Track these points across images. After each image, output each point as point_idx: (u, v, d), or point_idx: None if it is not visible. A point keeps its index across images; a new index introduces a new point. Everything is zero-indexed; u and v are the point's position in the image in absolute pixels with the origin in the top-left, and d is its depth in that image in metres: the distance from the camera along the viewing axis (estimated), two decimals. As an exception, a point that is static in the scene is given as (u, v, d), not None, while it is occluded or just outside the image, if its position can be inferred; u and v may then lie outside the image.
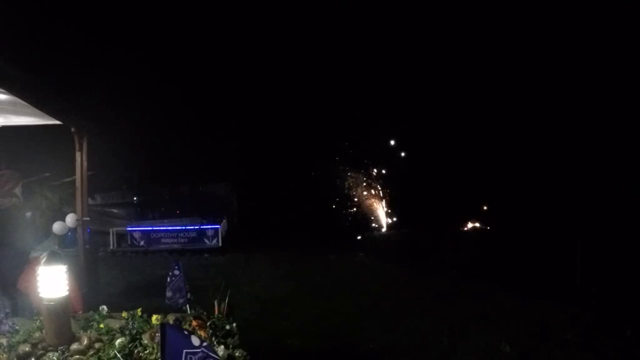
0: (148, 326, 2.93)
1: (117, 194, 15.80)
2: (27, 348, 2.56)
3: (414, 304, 7.35)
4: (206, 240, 13.77)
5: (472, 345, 5.43)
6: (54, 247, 5.84)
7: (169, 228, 13.88)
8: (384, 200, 20.39)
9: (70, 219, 6.63)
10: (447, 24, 20.10)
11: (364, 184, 20.67)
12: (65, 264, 2.79)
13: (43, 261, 2.67)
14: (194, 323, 2.83)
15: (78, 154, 5.63)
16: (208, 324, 3.09)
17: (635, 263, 9.14)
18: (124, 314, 3.21)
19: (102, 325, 3.06)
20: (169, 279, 3.62)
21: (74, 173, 5.78)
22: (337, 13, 21.09)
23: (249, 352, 2.87)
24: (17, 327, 2.92)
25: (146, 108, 17.15)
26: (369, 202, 20.72)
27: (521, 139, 17.89)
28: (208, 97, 19.72)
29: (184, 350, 1.67)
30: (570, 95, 16.88)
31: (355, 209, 20.58)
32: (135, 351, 2.52)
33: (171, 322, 3.08)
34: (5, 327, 2.90)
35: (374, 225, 20.10)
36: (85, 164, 5.71)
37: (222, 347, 2.59)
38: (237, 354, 2.64)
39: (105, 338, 2.82)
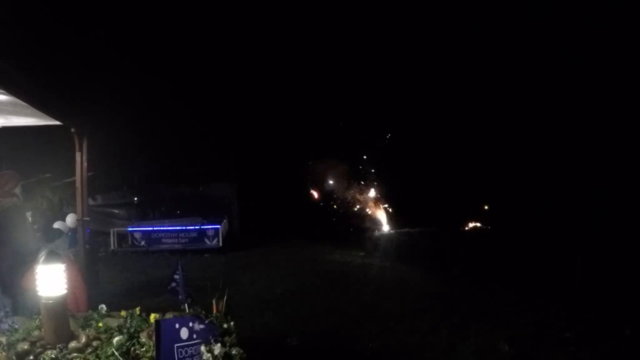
0: (146, 325, 2.95)
1: (118, 194, 15.83)
2: (26, 346, 2.59)
3: (413, 304, 7.36)
4: (207, 241, 13.79)
5: (471, 344, 5.44)
6: (64, 247, 5.87)
7: (170, 228, 13.90)
8: (384, 200, 20.40)
9: (70, 219, 6.65)
10: (447, 22, 20.10)
11: (364, 184, 20.69)
12: (64, 263, 2.82)
13: (42, 260, 2.69)
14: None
15: (78, 155, 5.66)
16: (206, 322, 3.11)
17: (635, 263, 9.14)
18: (123, 313, 3.23)
19: (100, 324, 3.08)
20: (175, 282, 3.62)
21: (74, 173, 5.81)
22: (337, 16, 21.11)
23: (248, 351, 2.89)
24: (16, 326, 2.94)
25: (147, 108, 17.18)
26: (369, 202, 20.74)
27: (522, 139, 17.89)
28: (208, 97, 19.76)
29: (175, 345, 1.70)
30: (570, 96, 16.88)
31: (355, 209, 20.60)
32: (132, 349, 2.54)
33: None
34: (5, 326, 2.93)
35: (374, 225, 20.11)
36: (85, 164, 5.73)
37: (219, 345, 2.60)
38: (233, 352, 2.66)
39: (103, 336, 2.84)
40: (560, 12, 17.15)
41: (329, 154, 20.00)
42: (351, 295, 8.00)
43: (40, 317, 2.84)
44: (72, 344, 2.62)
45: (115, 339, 2.67)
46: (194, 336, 1.87)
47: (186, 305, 3.46)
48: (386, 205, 20.41)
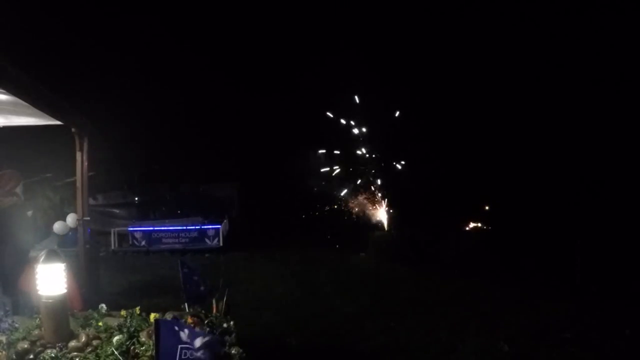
0: (146, 324, 2.96)
1: (118, 194, 15.85)
2: (25, 345, 2.60)
3: (413, 303, 7.37)
4: (207, 240, 13.81)
5: (471, 344, 5.45)
6: (53, 247, 5.88)
7: (170, 228, 13.92)
8: (384, 200, 20.39)
9: (70, 218, 6.68)
10: (448, 20, 20.10)
11: (364, 183, 20.67)
12: (64, 263, 2.83)
13: (42, 259, 2.70)
14: (190, 320, 2.86)
15: (79, 154, 5.67)
16: (206, 322, 3.12)
17: (635, 262, 9.13)
18: (123, 313, 3.24)
19: (100, 324, 3.09)
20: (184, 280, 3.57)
21: (75, 173, 5.82)
22: (339, 18, 21.11)
23: (248, 350, 2.90)
24: (16, 325, 2.95)
25: (147, 108, 17.20)
26: (369, 201, 20.72)
27: (522, 138, 17.88)
28: (209, 97, 19.76)
29: (179, 346, 1.70)
30: (571, 96, 16.87)
31: (356, 210, 20.59)
32: (132, 348, 2.55)
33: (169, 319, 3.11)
34: (5, 325, 2.94)
35: (374, 225, 20.08)
36: (85, 164, 5.74)
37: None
38: (233, 352, 2.67)
39: (103, 336, 2.85)
40: (560, 12, 17.14)
41: (329, 153, 19.99)
42: (351, 295, 8.01)
43: (40, 316, 2.85)
44: (72, 343, 2.63)
45: (115, 338, 2.68)
46: (196, 342, 1.87)
47: (186, 305, 3.47)
48: (387, 206, 20.40)
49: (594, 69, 16.24)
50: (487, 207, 19.54)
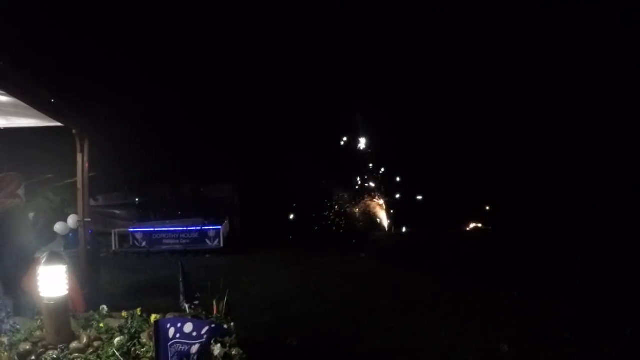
0: (147, 325, 2.97)
1: (119, 195, 15.87)
2: (27, 346, 2.61)
3: (414, 304, 7.38)
4: (208, 241, 13.83)
5: (471, 344, 5.45)
6: (59, 249, 5.90)
7: (171, 229, 13.94)
8: (385, 201, 20.41)
9: (71, 220, 6.69)
10: (448, 21, 20.10)
11: (365, 184, 20.69)
12: (66, 264, 2.84)
13: (43, 261, 2.72)
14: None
15: (79, 155, 5.70)
16: (212, 325, 3.13)
17: (635, 263, 9.14)
18: (124, 314, 3.26)
19: (102, 325, 3.11)
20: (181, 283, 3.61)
21: (76, 174, 5.84)
22: (337, 18, 21.12)
23: (248, 351, 2.91)
24: (18, 327, 2.97)
25: (148, 109, 17.22)
26: (370, 203, 20.74)
27: (522, 139, 17.89)
28: (210, 98, 19.79)
29: (168, 344, 1.72)
30: (571, 96, 16.87)
31: (357, 210, 20.60)
32: (133, 349, 2.57)
33: (168, 319, 3.12)
34: (7, 327, 2.95)
35: (375, 225, 20.12)
36: (86, 165, 5.77)
37: (219, 345, 2.62)
38: (233, 353, 2.68)
39: (104, 337, 2.87)
40: (560, 12, 17.15)
41: (329, 153, 20.01)
42: (351, 296, 8.02)
43: (42, 317, 2.86)
44: (74, 345, 2.65)
45: (116, 340, 2.70)
46: (194, 334, 1.90)
47: (186, 306, 3.48)
48: (387, 206, 20.42)
49: (595, 70, 16.25)
50: (487, 208, 19.54)
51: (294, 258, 12.30)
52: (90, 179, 5.94)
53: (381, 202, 20.54)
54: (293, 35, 20.49)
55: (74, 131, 5.49)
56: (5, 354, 2.60)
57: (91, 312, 3.38)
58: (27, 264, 4.28)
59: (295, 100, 20.02)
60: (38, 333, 2.81)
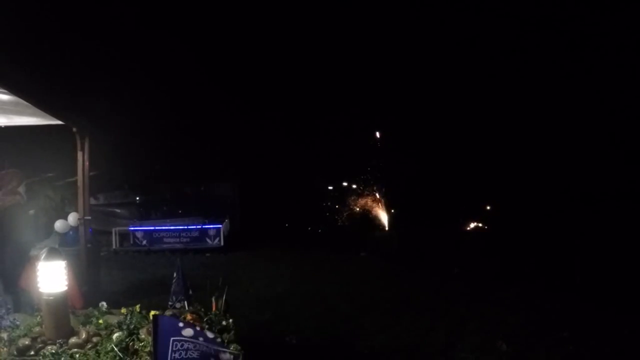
0: (146, 321, 3.00)
1: (120, 193, 15.89)
2: (26, 342, 2.64)
3: (412, 303, 7.40)
4: (208, 240, 13.85)
5: (469, 343, 5.47)
6: (55, 246, 5.92)
7: (171, 228, 13.97)
8: (385, 200, 20.41)
9: (72, 217, 6.72)
10: (446, 20, 20.10)
11: (365, 183, 20.70)
12: (64, 261, 2.87)
13: (43, 257, 2.74)
14: (189, 317, 2.90)
15: (80, 154, 5.71)
16: (205, 319, 3.16)
17: (635, 263, 9.14)
18: (123, 310, 3.28)
19: (101, 321, 3.13)
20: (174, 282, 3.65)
21: (76, 173, 5.86)
22: (335, 17, 21.12)
23: (247, 348, 2.93)
24: (17, 323, 2.99)
25: (149, 107, 17.24)
26: (370, 202, 20.74)
27: (522, 140, 17.89)
28: (211, 96, 19.80)
29: (172, 338, 1.73)
30: (571, 96, 16.87)
31: (357, 210, 20.60)
32: (131, 344, 2.59)
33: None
34: (6, 323, 2.98)
35: (375, 225, 20.10)
36: (86, 163, 5.78)
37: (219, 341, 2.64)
38: (231, 349, 2.70)
39: (103, 333, 2.89)
40: (560, 11, 17.14)
41: (329, 153, 20.02)
42: (351, 295, 8.04)
43: (41, 313, 2.89)
44: (73, 340, 2.67)
45: (115, 335, 2.72)
46: (200, 337, 1.90)
47: (185, 303, 3.50)
48: (387, 206, 20.42)
49: (595, 71, 16.24)
50: (488, 208, 19.54)
51: (294, 257, 12.32)
52: (91, 178, 5.96)
53: (381, 201, 20.55)
54: (293, 35, 20.51)
55: (74, 129, 5.51)
56: (5, 349, 2.62)
57: (90, 308, 3.41)
58: (26, 261, 4.32)
59: (295, 100, 20.04)
60: (37, 329, 2.83)
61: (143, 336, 2.69)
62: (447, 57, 20.04)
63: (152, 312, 3.15)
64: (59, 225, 6.64)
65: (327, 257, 12.46)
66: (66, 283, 2.80)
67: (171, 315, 3.12)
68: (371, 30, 20.72)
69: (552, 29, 17.65)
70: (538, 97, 18.01)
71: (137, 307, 3.29)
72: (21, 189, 4.80)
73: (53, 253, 2.79)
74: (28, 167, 6.54)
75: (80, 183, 5.76)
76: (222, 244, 13.70)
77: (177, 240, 13.84)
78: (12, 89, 3.86)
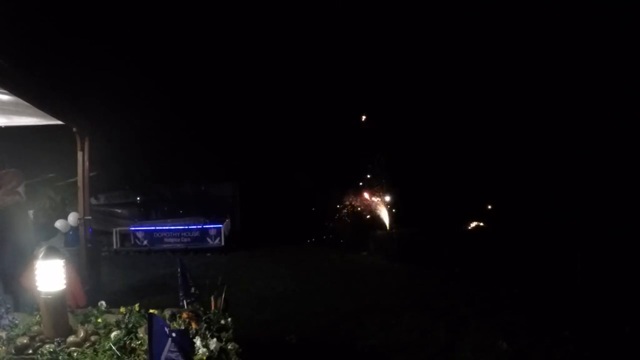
0: (144, 321, 2.99)
1: (121, 193, 15.91)
2: (25, 340, 2.64)
3: (413, 302, 7.39)
4: (209, 240, 13.86)
5: (469, 342, 5.47)
6: (59, 245, 5.94)
7: (172, 228, 13.98)
8: (386, 199, 20.39)
9: (72, 217, 6.74)
10: (447, 19, 20.09)
11: (368, 182, 20.68)
12: (63, 259, 2.87)
13: (41, 256, 2.74)
14: (184, 315, 2.90)
15: (80, 154, 5.74)
16: (204, 318, 3.16)
17: (636, 261, 9.12)
18: (122, 310, 3.28)
19: (99, 320, 3.13)
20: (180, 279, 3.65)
21: (77, 173, 5.88)
22: (334, 15, 21.11)
23: (246, 347, 2.93)
24: (16, 322, 3.00)
25: (149, 107, 17.26)
26: (372, 202, 20.72)
27: (523, 138, 17.87)
28: (212, 96, 19.81)
29: (169, 339, 1.74)
30: (572, 96, 16.85)
31: (358, 209, 20.58)
32: (129, 342, 2.59)
33: (167, 316, 3.15)
34: (5, 322, 2.98)
35: (377, 224, 20.09)
36: (87, 163, 5.80)
37: (215, 340, 2.65)
38: (229, 347, 2.70)
39: (102, 332, 2.89)
40: (560, 11, 17.12)
41: (330, 153, 20.01)
42: (351, 294, 8.04)
43: (40, 312, 2.89)
44: (71, 339, 2.67)
45: (113, 334, 2.72)
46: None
47: (185, 302, 3.51)
48: (389, 205, 20.40)
49: (595, 69, 16.22)
50: (489, 207, 19.51)
51: (294, 256, 12.33)
52: (91, 178, 5.98)
53: (383, 200, 20.53)
54: (293, 35, 20.51)
55: (74, 129, 5.52)
56: (3, 348, 2.63)
57: (89, 307, 3.41)
58: (26, 260, 4.32)
59: (296, 100, 20.04)
60: (36, 328, 2.83)
61: (141, 335, 2.69)
62: (449, 57, 20.03)
63: (151, 312, 3.16)
64: (59, 224, 6.66)
65: (328, 256, 12.46)
66: (64, 282, 2.80)
67: (171, 315, 3.13)
68: (371, 31, 20.72)
69: (552, 29, 17.63)
70: (538, 97, 17.99)
71: (137, 307, 3.30)
72: (21, 189, 4.81)
73: (51, 252, 2.79)
74: (28, 167, 6.55)
75: (80, 183, 5.78)
76: (222, 244, 13.71)
77: (178, 240, 13.85)
78: (12, 90, 3.87)
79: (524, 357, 5.12)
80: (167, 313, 3.23)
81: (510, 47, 18.92)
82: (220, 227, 13.91)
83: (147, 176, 17.10)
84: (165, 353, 1.73)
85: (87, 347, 2.63)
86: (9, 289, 4.20)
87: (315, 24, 20.40)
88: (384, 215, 20.19)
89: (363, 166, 20.24)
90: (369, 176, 20.33)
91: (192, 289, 3.53)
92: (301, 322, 6.24)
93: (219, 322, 3.11)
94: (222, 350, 2.63)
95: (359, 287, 8.63)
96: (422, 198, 18.10)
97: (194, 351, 2.44)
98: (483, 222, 18.52)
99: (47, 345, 2.59)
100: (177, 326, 2.82)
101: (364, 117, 19.17)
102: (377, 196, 20.29)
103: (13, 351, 2.58)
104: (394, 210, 19.82)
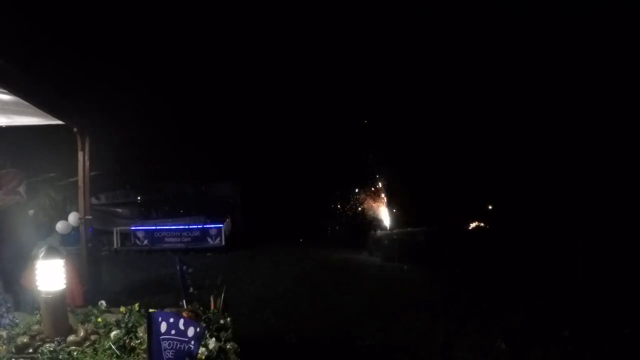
0: (144, 320, 3.00)
1: (121, 193, 15.93)
2: (25, 339, 2.65)
3: (412, 302, 7.41)
4: (209, 240, 13.87)
5: (468, 342, 5.48)
6: (55, 245, 5.94)
7: (173, 227, 14.00)
8: (386, 199, 20.40)
9: (72, 217, 6.75)
10: (447, 20, 20.09)
11: (368, 182, 20.69)
12: (63, 259, 2.88)
13: (41, 255, 2.76)
14: (185, 314, 2.91)
15: (80, 154, 5.74)
16: (203, 318, 3.17)
17: (636, 262, 9.13)
18: (122, 309, 3.30)
19: (99, 319, 3.14)
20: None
21: (77, 173, 5.89)
22: (334, 16, 21.11)
23: (245, 346, 2.95)
24: (17, 321, 3.01)
25: (150, 107, 17.28)
26: (372, 202, 20.73)
27: (524, 138, 17.87)
28: (213, 96, 19.83)
29: (160, 337, 1.75)
30: (572, 96, 16.85)
31: (358, 209, 20.60)
32: (128, 341, 2.60)
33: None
34: (6, 321, 3.00)
35: (377, 224, 20.10)
36: (87, 163, 5.81)
37: (214, 339, 2.66)
38: (228, 347, 2.72)
39: (101, 331, 2.90)
40: (559, 11, 17.12)
41: (331, 153, 20.03)
42: (351, 294, 8.05)
43: (40, 312, 2.90)
44: (71, 338, 2.69)
45: (113, 333, 2.74)
46: (185, 333, 1.91)
47: (184, 301, 3.52)
48: (389, 205, 20.40)
49: (594, 69, 16.22)
50: (489, 207, 19.51)
51: (295, 256, 12.33)
52: (92, 178, 5.99)
53: (383, 200, 20.53)
54: (293, 35, 20.52)
55: (75, 129, 5.53)
56: (4, 347, 2.64)
57: (90, 307, 3.43)
58: (26, 260, 4.34)
59: (297, 99, 20.05)
60: (36, 327, 2.85)
61: (141, 334, 2.70)
62: (451, 59, 20.03)
63: (151, 311, 3.17)
64: (60, 226, 6.66)
65: (328, 256, 12.47)
66: (64, 281, 2.82)
67: (163, 311, 3.14)
68: (372, 31, 20.72)
69: (552, 30, 17.62)
70: (538, 98, 17.99)
71: (136, 306, 3.31)
72: (21, 189, 4.82)
73: (51, 252, 2.81)
74: (29, 167, 6.56)
75: (81, 182, 5.78)
76: (223, 243, 13.72)
77: (179, 239, 13.86)
78: (12, 89, 3.88)
79: (523, 358, 5.13)
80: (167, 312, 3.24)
81: (510, 49, 18.92)
82: (220, 227, 13.92)
83: (147, 176, 17.13)
84: (163, 351, 1.74)
85: (87, 347, 2.65)
86: (9, 288, 4.21)
87: (316, 25, 20.41)
88: (384, 215, 20.19)
89: (363, 167, 20.25)
90: (369, 177, 20.34)
91: (191, 289, 3.54)
92: (301, 323, 6.25)
93: (218, 321, 3.13)
94: (221, 350, 2.64)
95: (358, 288, 8.64)
96: (422, 198, 18.10)
97: None
98: (483, 223, 18.52)
99: (47, 345, 2.60)
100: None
101: (365, 118, 19.18)
102: (377, 197, 20.30)
103: (13, 350, 2.60)
104: (393, 211, 19.82)
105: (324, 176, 19.82)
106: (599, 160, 14.76)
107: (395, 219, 19.70)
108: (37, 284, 2.76)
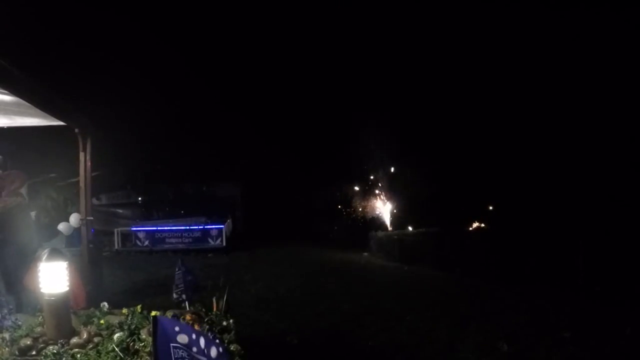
0: (147, 322, 3.00)
1: (122, 194, 15.95)
2: (28, 342, 2.64)
3: (414, 302, 7.40)
4: (210, 240, 13.87)
5: (470, 342, 5.47)
6: (61, 246, 5.94)
7: (173, 228, 14.00)
8: (388, 201, 20.40)
9: (74, 218, 6.76)
10: (447, 21, 20.09)
11: (369, 183, 20.69)
12: (66, 261, 2.88)
13: (44, 258, 2.75)
14: (188, 317, 2.91)
15: (82, 154, 5.72)
16: (205, 320, 3.16)
17: (637, 262, 9.11)
18: (124, 311, 3.29)
19: (102, 321, 3.13)
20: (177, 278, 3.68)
21: (79, 173, 5.88)
22: (336, 20, 21.11)
23: (248, 348, 2.94)
24: (19, 323, 3.00)
25: (151, 108, 17.28)
26: (373, 203, 20.73)
27: (525, 139, 17.87)
28: (215, 98, 19.82)
29: (171, 344, 1.73)
30: (573, 97, 16.84)
31: (360, 210, 20.60)
32: (132, 344, 2.60)
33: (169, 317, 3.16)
34: (8, 323, 2.99)
35: (378, 225, 20.11)
36: (89, 164, 5.79)
37: (217, 341, 2.64)
38: (232, 349, 2.71)
39: (104, 333, 2.89)
40: (559, 11, 17.11)
41: (332, 153, 20.03)
42: (353, 295, 8.04)
43: (43, 313, 2.89)
44: (74, 340, 2.68)
45: (116, 335, 2.73)
46: (193, 347, 1.87)
47: (186, 303, 3.51)
48: (390, 206, 20.40)
49: (595, 70, 16.21)
50: (490, 208, 19.51)
51: (296, 256, 12.33)
52: (93, 178, 5.98)
53: (384, 201, 20.54)
54: (294, 35, 20.52)
55: (76, 130, 5.52)
56: (7, 349, 2.63)
57: (92, 309, 3.42)
58: (29, 261, 4.32)
59: (298, 99, 20.05)
60: (39, 329, 2.83)
61: (144, 336, 2.69)
62: (453, 61, 20.04)
63: (153, 313, 3.16)
64: (62, 227, 6.67)
65: (329, 256, 12.46)
66: (67, 283, 2.81)
67: (172, 317, 3.13)
68: (372, 33, 20.73)
69: (552, 32, 17.61)
70: (539, 99, 17.98)
71: (139, 308, 3.30)
72: (23, 190, 4.81)
73: (54, 254, 2.80)
74: (31, 168, 6.56)
75: (82, 183, 5.77)
76: (224, 244, 13.72)
77: (180, 240, 13.86)
78: (13, 90, 3.87)
79: (525, 359, 5.12)
80: (169, 314, 3.24)
81: (511, 50, 18.92)
82: (221, 228, 13.92)
83: (149, 176, 17.13)
84: (171, 356, 1.72)
85: (90, 349, 2.64)
86: (12, 290, 4.20)
87: (316, 26, 20.42)
88: (385, 216, 20.16)
89: (365, 168, 20.23)
90: (371, 177, 20.32)
91: (183, 296, 3.54)
92: (303, 323, 6.24)
93: (221, 323, 3.12)
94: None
95: (360, 288, 8.63)
96: (423, 199, 18.10)
97: None
98: (484, 223, 18.51)
99: (50, 347, 2.59)
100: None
101: (367, 120, 19.18)
102: (379, 197, 20.27)
103: (16, 352, 2.59)
104: (395, 211, 19.79)
105: (325, 177, 19.83)
106: (601, 160, 14.75)
107: (397, 219, 19.68)
108: (40, 286, 2.76)
